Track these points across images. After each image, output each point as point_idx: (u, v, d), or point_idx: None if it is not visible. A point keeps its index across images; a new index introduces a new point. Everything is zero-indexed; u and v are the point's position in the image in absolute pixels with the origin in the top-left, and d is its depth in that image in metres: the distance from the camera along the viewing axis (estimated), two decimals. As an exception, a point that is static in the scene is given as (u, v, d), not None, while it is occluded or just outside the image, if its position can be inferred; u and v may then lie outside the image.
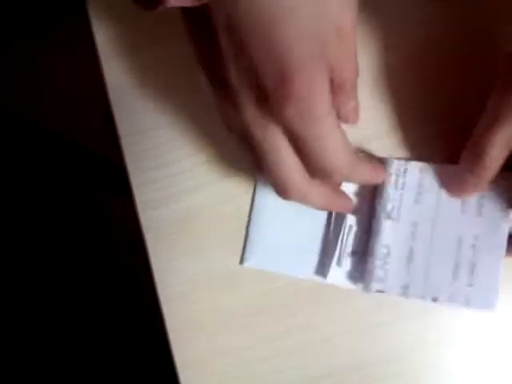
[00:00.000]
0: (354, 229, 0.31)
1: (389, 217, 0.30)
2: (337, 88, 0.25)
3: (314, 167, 0.25)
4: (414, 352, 0.31)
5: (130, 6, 0.29)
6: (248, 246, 0.31)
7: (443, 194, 0.30)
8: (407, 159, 0.31)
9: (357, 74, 0.26)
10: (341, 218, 0.31)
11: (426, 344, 0.31)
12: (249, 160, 0.28)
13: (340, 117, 0.26)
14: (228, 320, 0.31)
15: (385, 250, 0.30)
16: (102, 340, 0.75)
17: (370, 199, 0.31)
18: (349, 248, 0.31)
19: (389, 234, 0.30)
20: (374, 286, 0.29)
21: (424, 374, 0.31)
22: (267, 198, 0.31)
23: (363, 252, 0.31)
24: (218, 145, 0.32)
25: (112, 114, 0.33)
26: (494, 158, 0.27)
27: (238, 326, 0.31)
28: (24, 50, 0.98)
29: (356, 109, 0.27)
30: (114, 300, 0.76)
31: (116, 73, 0.33)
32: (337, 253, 0.30)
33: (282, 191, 0.26)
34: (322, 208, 0.28)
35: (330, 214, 0.31)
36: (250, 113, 0.24)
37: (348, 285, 0.31)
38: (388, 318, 0.31)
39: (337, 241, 0.30)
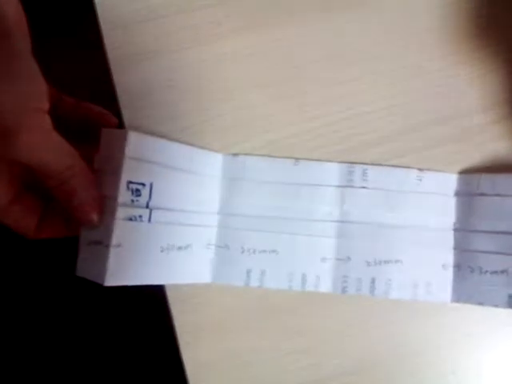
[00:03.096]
0: None
1: None
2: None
3: None
4: (419, 352, 0.32)
5: (140, 14, 0.32)
6: None
7: None
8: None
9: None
10: None
11: (428, 344, 0.32)
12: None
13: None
14: (235, 321, 0.32)
15: None
16: (111, 340, 0.76)
17: None
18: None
19: None
20: None
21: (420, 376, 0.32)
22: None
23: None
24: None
25: (122, 120, 0.33)
26: None
27: (245, 328, 0.32)
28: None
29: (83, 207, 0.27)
30: (124, 302, 0.76)
31: (126, 78, 0.33)
32: None
33: None
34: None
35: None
36: None
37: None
38: (394, 319, 0.32)
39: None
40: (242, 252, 0.31)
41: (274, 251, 0.31)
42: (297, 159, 0.32)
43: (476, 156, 0.33)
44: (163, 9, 0.33)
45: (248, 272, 0.31)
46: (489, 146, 0.33)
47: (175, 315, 0.32)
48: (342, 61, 0.33)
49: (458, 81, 0.33)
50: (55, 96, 0.29)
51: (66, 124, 0.27)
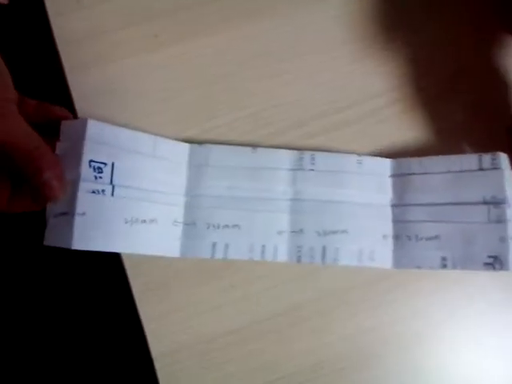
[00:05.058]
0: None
1: None
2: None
3: None
4: (316, 300, 0.37)
5: (87, 30, 0.38)
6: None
7: None
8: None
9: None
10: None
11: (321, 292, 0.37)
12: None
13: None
14: (181, 279, 0.36)
15: None
16: (75, 302, 0.78)
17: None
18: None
19: None
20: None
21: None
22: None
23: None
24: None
25: (77, 117, 0.37)
26: None
27: (189, 285, 0.36)
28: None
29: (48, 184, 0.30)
30: (88, 272, 0.79)
31: (80, 83, 0.38)
32: None
33: None
34: None
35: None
36: None
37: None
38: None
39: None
40: (208, 228, 0.35)
41: (236, 226, 0.36)
42: (254, 147, 0.37)
43: (376, 133, 0.39)
44: (107, 25, 0.39)
45: (213, 245, 0.35)
46: (385, 125, 0.39)
47: (131, 278, 0.36)
48: (263, 61, 0.40)
49: (357, 74, 0.40)
50: (19, 98, 0.33)
51: (29, 122, 0.31)
